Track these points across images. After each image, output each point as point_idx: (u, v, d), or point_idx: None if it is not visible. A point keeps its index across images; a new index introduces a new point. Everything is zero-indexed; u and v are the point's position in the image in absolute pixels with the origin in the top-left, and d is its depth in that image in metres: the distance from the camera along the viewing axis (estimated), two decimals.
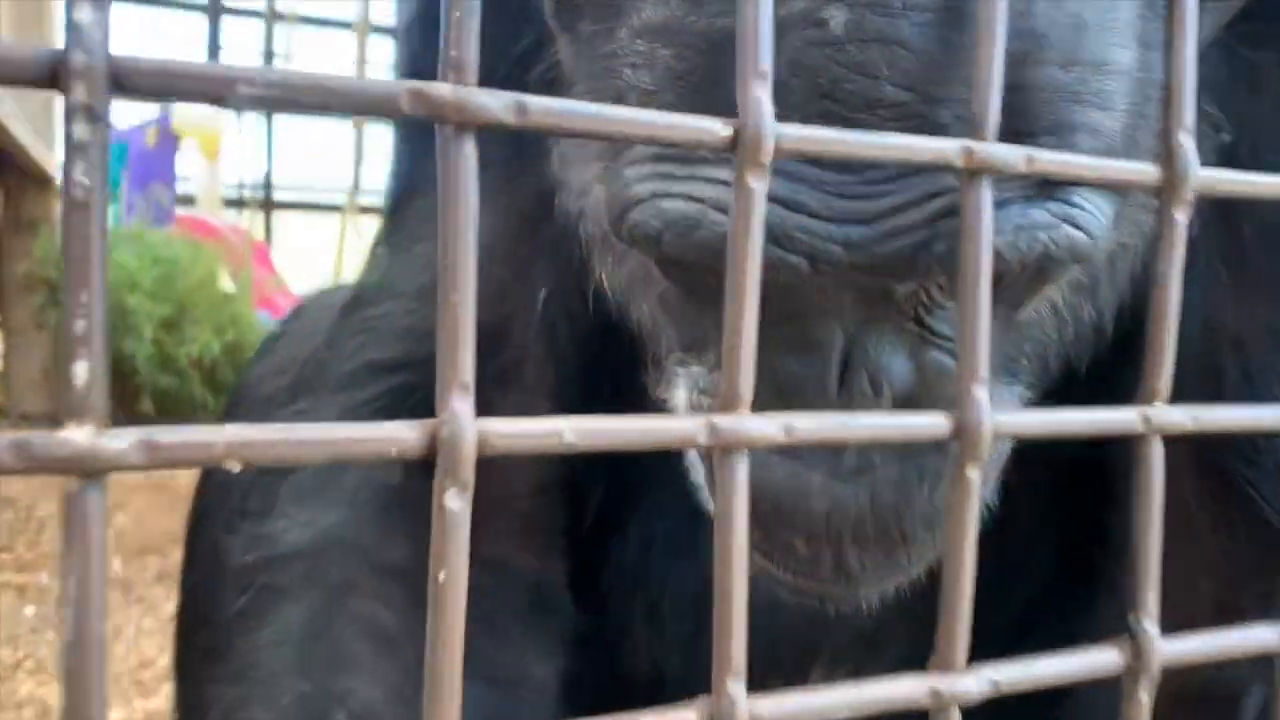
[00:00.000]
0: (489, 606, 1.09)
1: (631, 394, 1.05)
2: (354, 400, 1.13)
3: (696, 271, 0.83)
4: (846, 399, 0.82)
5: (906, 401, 0.83)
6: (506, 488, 1.14)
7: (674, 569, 1.26)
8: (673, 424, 0.49)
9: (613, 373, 1.14)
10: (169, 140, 6.59)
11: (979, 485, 0.56)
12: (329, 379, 1.17)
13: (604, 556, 1.28)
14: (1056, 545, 1.23)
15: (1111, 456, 1.05)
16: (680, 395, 0.93)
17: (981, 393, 0.56)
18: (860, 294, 0.80)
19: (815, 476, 0.85)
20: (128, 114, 6.70)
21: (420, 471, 0.58)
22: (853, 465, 0.85)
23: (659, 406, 1.01)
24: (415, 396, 1.11)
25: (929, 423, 0.55)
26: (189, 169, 7.09)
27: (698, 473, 0.98)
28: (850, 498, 0.85)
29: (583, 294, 1.06)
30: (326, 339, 1.20)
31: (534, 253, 1.13)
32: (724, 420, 0.48)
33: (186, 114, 6.55)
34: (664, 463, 1.14)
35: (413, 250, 1.17)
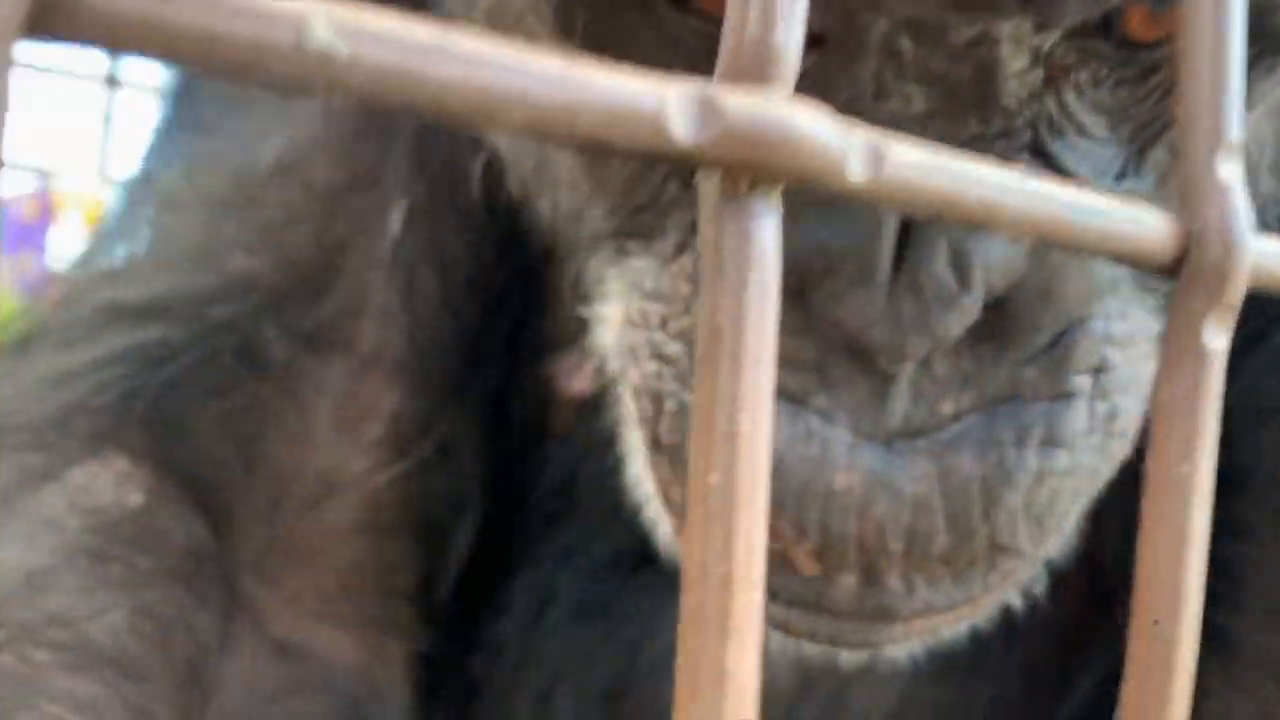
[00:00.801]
0: None
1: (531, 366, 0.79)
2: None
3: None
4: (905, 293, 0.58)
5: (1004, 307, 0.60)
6: (314, 523, 0.85)
7: (578, 643, 0.93)
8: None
9: (508, 332, 0.88)
10: (47, 211, 6.21)
11: (1217, 386, 0.34)
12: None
13: (475, 628, 0.95)
14: None
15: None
16: (613, 308, 0.69)
17: (1233, 180, 0.28)
18: (938, 80, 0.57)
19: (839, 436, 0.59)
20: (4, 185, 6.30)
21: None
22: (904, 418, 0.60)
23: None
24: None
25: (1138, 227, 0.32)
26: (72, 240, 6.67)
27: (642, 485, 0.72)
28: (901, 473, 0.60)
29: (460, 205, 0.83)
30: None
31: (385, 151, 0.85)
32: (735, 101, 0.27)
33: (68, 185, 6.19)
34: (568, 482, 0.92)
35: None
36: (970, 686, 0.89)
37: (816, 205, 0.60)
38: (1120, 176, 0.61)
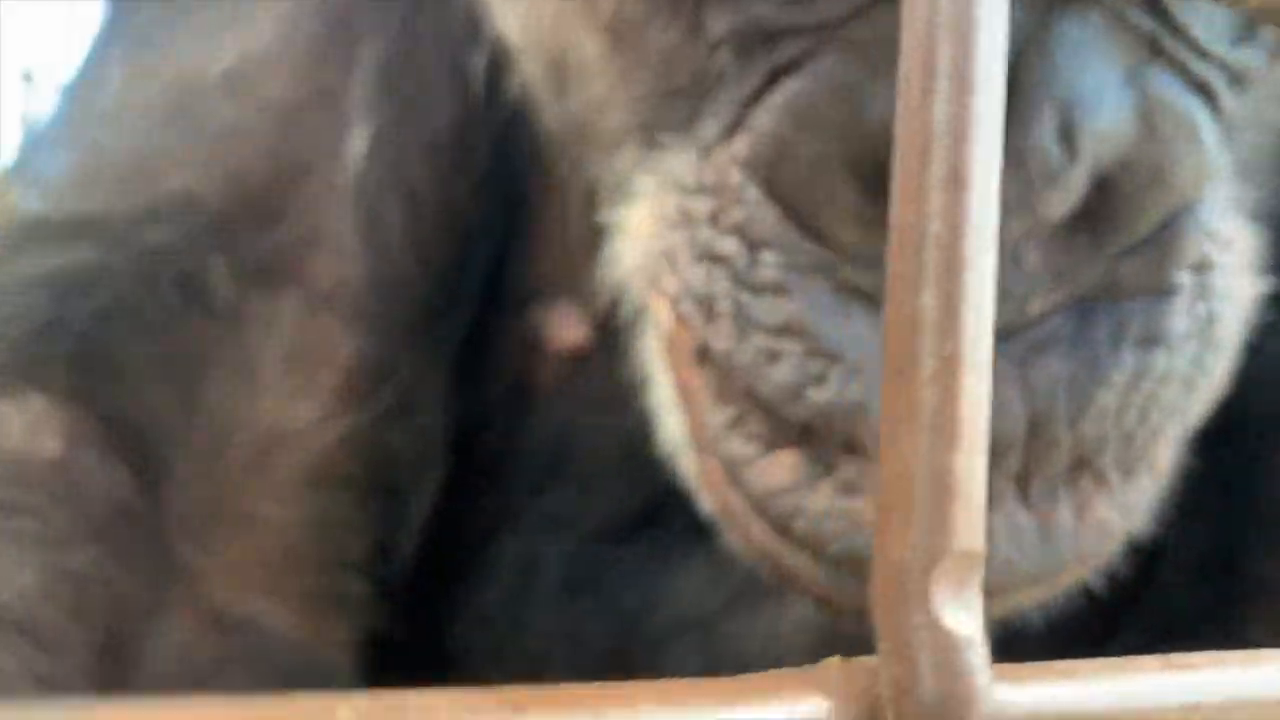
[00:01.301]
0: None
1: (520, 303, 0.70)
2: None
3: None
4: (1003, 164, 0.48)
5: (1107, 186, 0.53)
6: (259, 480, 0.77)
7: (570, 617, 0.85)
8: None
9: (484, 275, 0.82)
10: None
11: None
12: None
13: (450, 601, 0.86)
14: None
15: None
16: (642, 210, 0.62)
17: None
18: None
19: None
20: None
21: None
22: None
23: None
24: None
25: None
26: None
27: (668, 416, 0.65)
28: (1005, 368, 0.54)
29: (431, 132, 0.75)
30: None
31: (349, 69, 0.78)
32: None
33: None
34: (556, 441, 0.86)
35: None
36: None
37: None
38: (1235, 43, 0.57)
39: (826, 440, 0.56)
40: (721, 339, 0.58)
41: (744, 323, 0.57)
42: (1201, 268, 0.57)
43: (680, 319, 0.60)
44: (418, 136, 0.79)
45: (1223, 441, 0.66)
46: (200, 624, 0.74)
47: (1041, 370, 0.54)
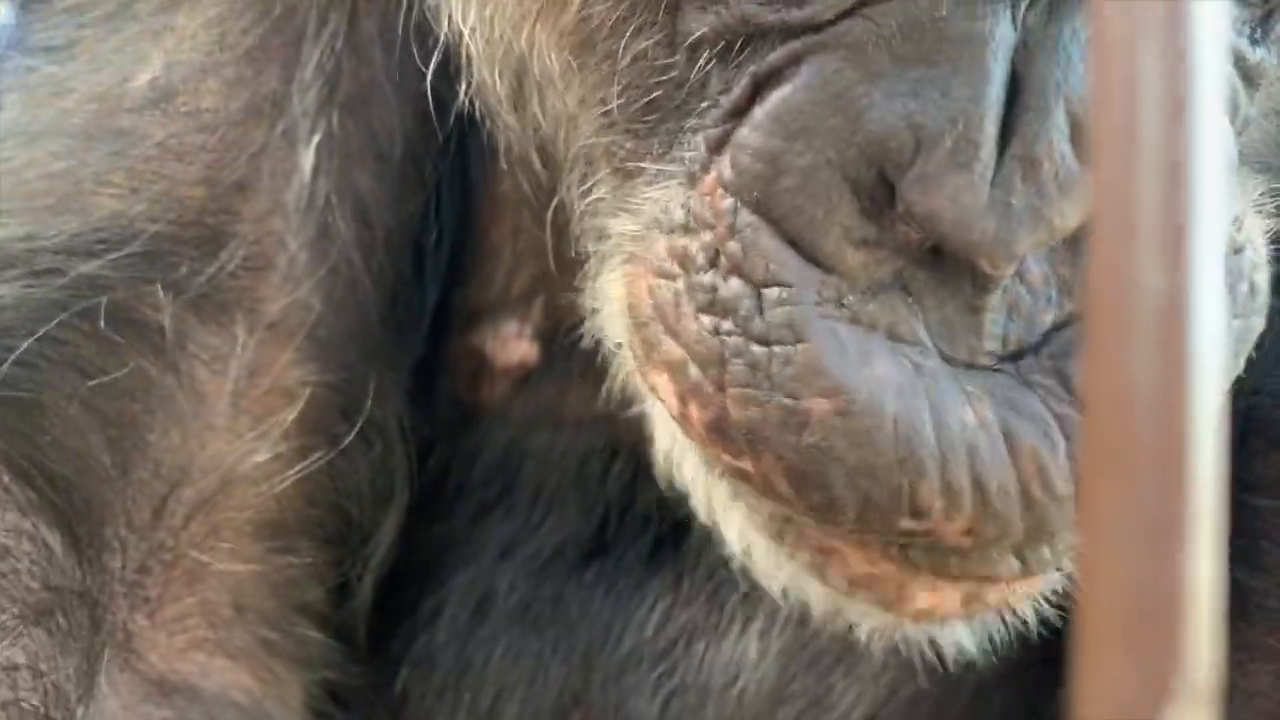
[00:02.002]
0: None
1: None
2: None
3: None
4: (1014, 173, 0.48)
5: None
6: (205, 530, 0.71)
7: (524, 652, 0.80)
8: None
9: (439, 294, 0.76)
10: None
11: None
12: None
13: (397, 638, 0.81)
14: None
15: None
16: (627, 265, 0.57)
17: None
18: None
19: (937, 368, 0.50)
20: None
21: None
22: (1002, 337, 0.51)
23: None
24: None
25: None
26: None
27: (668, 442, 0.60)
28: (1025, 397, 0.51)
29: (380, 142, 0.71)
30: None
31: (290, 75, 0.72)
32: None
33: None
34: (505, 465, 0.81)
35: None
36: (957, 677, 0.81)
37: (904, 61, 0.50)
38: (1253, 41, 0.54)
39: (884, 507, 0.51)
40: (737, 407, 0.52)
41: (763, 385, 0.51)
42: (1234, 251, 0.54)
43: (688, 391, 0.54)
44: (367, 145, 0.73)
45: None
46: (138, 693, 0.67)
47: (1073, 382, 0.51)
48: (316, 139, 0.72)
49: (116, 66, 0.72)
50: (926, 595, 0.54)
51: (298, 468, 0.72)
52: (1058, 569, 0.54)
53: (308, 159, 0.71)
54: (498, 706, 0.80)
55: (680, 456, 0.59)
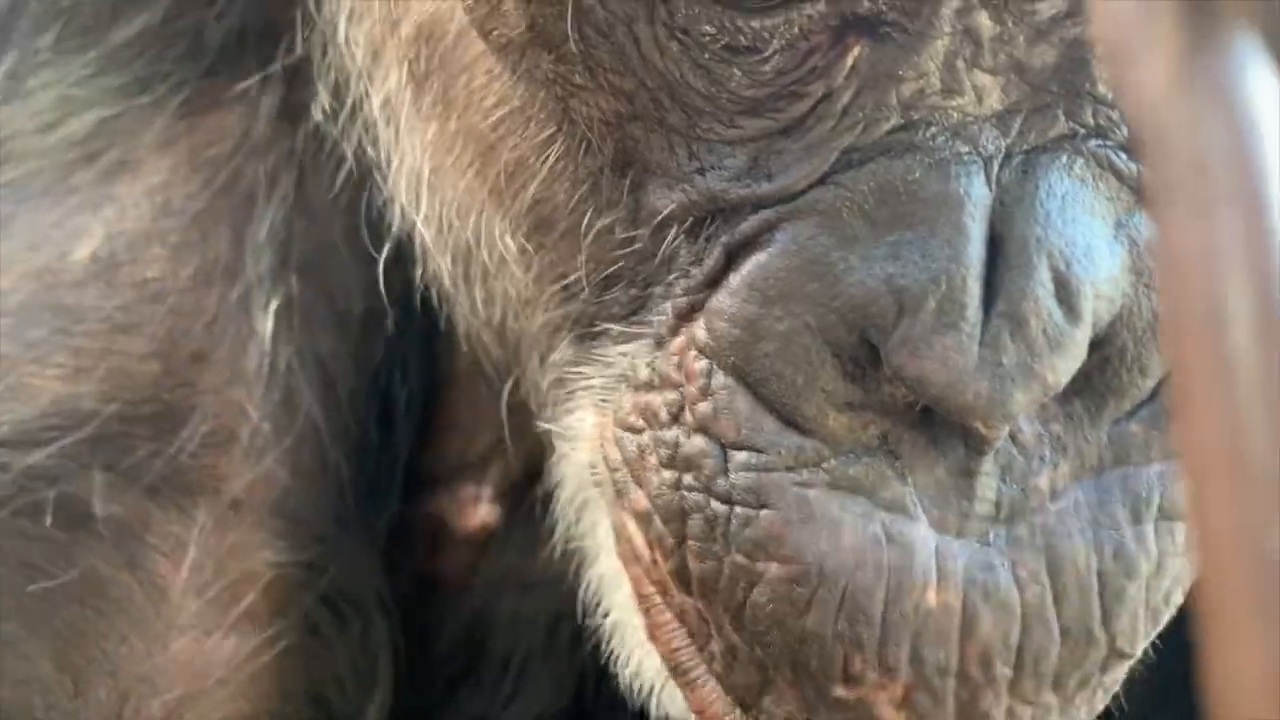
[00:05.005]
0: None
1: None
2: None
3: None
4: (1002, 332, 0.48)
5: (1104, 346, 0.50)
6: None
7: None
8: None
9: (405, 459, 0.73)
10: None
11: None
12: None
13: None
14: None
15: None
16: (590, 415, 0.56)
17: None
18: (1017, 68, 0.49)
19: (921, 535, 0.49)
20: None
21: None
22: (995, 502, 0.50)
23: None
24: None
25: None
26: None
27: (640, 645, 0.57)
28: (1004, 574, 0.49)
29: (338, 303, 0.68)
30: None
31: (241, 237, 0.69)
32: None
33: None
34: (471, 636, 0.77)
35: None
36: None
37: (879, 225, 0.48)
38: None
39: (819, 674, 0.50)
40: (696, 560, 0.51)
41: (719, 540, 0.51)
42: None
43: (652, 540, 0.53)
44: (326, 306, 0.70)
45: None
46: None
47: (1067, 561, 0.49)
48: (275, 304, 0.68)
49: (52, 239, 0.69)
50: None
51: (271, 661, 0.67)
52: None
53: (266, 324, 0.68)
54: None
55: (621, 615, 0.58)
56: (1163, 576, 0.51)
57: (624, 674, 0.59)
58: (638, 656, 0.58)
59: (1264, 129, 0.18)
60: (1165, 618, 0.52)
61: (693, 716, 0.56)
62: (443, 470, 0.76)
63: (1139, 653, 0.52)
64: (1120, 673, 0.52)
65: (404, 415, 0.73)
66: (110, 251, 0.68)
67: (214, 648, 0.66)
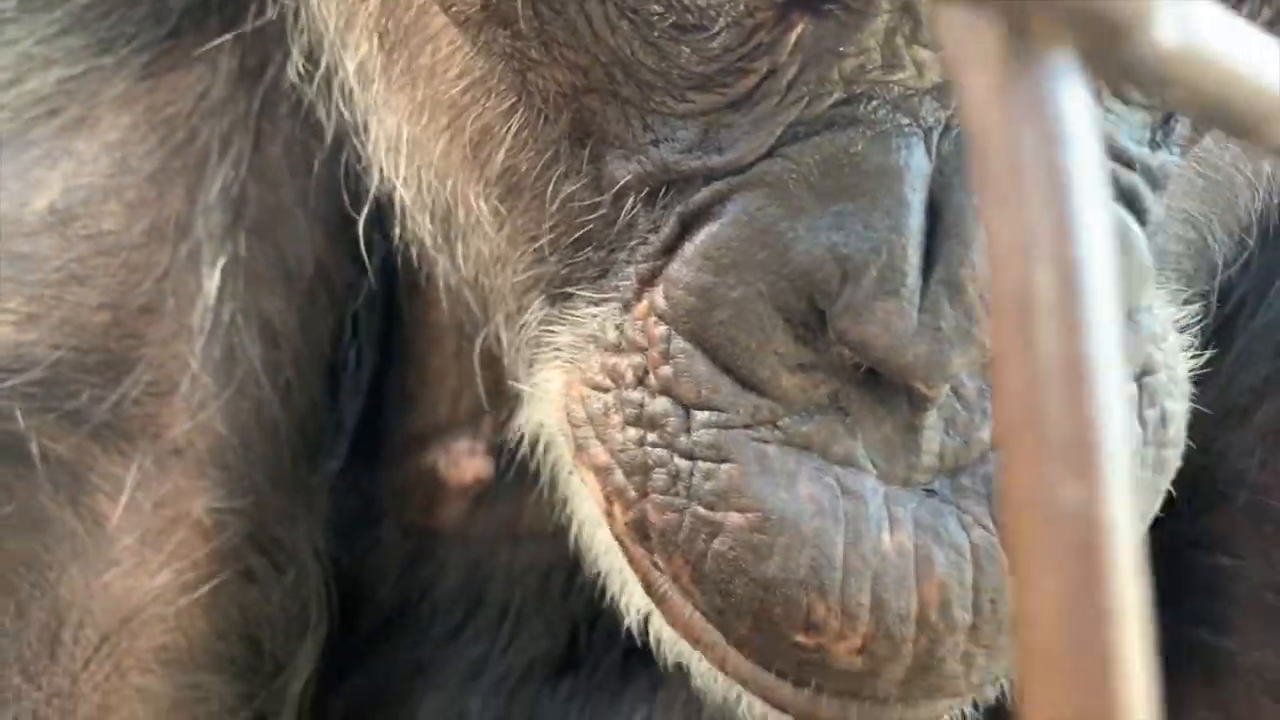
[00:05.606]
0: None
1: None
2: None
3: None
4: (941, 296, 0.49)
5: None
6: (105, 670, 0.69)
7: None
8: None
9: (360, 415, 0.76)
10: None
11: None
12: None
13: None
14: None
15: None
16: (558, 371, 0.58)
17: None
18: None
19: (870, 486, 0.51)
20: None
21: None
22: (939, 454, 0.52)
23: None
24: None
25: None
26: None
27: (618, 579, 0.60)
28: (954, 520, 0.51)
29: (287, 263, 0.71)
30: None
31: (193, 196, 0.71)
32: None
33: None
34: (468, 585, 0.80)
35: None
36: None
37: (825, 196, 0.50)
38: (1154, 146, 0.55)
39: (781, 621, 0.52)
40: (656, 512, 0.54)
41: (681, 494, 0.53)
42: (1147, 373, 0.55)
43: (613, 492, 0.55)
44: (275, 267, 0.73)
45: None
46: None
47: None
48: (222, 261, 0.71)
49: (12, 192, 0.71)
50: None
51: (205, 598, 0.71)
52: (945, 696, 0.54)
53: (213, 281, 0.71)
54: None
55: (606, 555, 0.60)
56: None
57: (621, 607, 0.61)
58: (627, 591, 0.60)
59: (1073, 136, 0.20)
60: None
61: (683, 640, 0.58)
62: (434, 427, 0.79)
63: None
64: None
65: (354, 373, 0.76)
66: (67, 204, 0.70)
67: (148, 582, 0.69)
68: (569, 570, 0.79)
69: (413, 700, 0.81)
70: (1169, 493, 0.61)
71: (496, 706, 0.80)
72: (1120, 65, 0.23)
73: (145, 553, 0.70)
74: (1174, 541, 0.73)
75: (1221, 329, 0.71)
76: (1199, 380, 0.65)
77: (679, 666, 0.77)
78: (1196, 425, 0.65)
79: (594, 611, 0.79)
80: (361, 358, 0.78)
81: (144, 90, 0.71)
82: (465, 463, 0.80)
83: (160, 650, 0.70)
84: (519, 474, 0.79)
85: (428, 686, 0.81)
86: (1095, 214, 0.20)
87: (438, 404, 0.78)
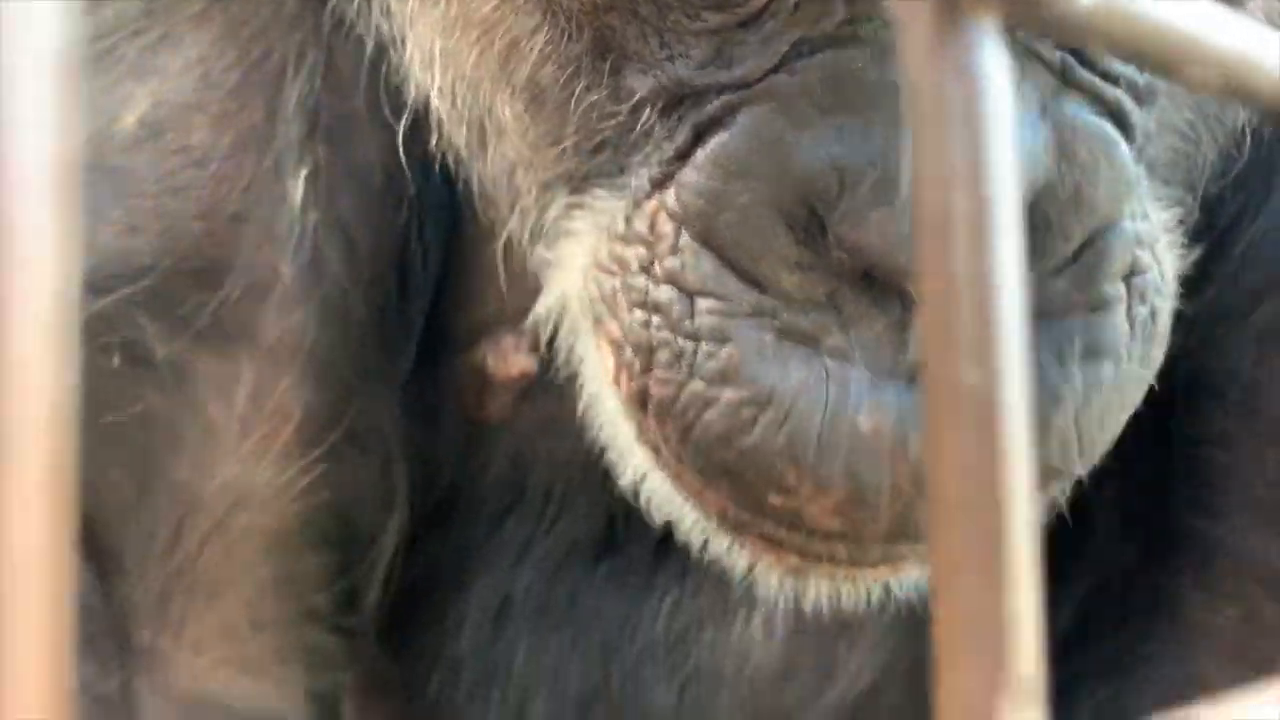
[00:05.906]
0: None
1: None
2: None
3: None
4: None
5: (1030, 214, 0.54)
6: (220, 549, 0.76)
7: (546, 651, 0.86)
8: None
9: (425, 311, 0.82)
10: None
11: None
12: None
13: (427, 648, 0.86)
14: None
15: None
16: (576, 250, 0.63)
17: None
18: None
19: (858, 376, 0.56)
20: None
21: None
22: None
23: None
24: None
25: None
26: None
27: (619, 446, 0.66)
28: (909, 426, 0.56)
29: (361, 169, 0.76)
30: None
31: (273, 109, 0.75)
32: None
33: None
34: (514, 472, 0.85)
35: None
36: None
37: (827, 110, 0.55)
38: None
39: (755, 484, 0.58)
40: (659, 386, 0.60)
41: (682, 370, 0.58)
42: (1134, 273, 0.59)
43: (621, 365, 0.61)
44: (348, 175, 0.78)
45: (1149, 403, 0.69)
46: (169, 713, 0.73)
47: None
48: (304, 171, 0.76)
49: (101, 104, 0.76)
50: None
51: (301, 483, 0.78)
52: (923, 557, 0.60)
53: (296, 190, 0.76)
54: (524, 705, 0.87)
55: (612, 429, 0.66)
56: (1089, 407, 0.58)
57: (625, 476, 0.68)
58: (626, 455, 0.67)
59: (991, 91, 0.25)
60: (1100, 444, 0.59)
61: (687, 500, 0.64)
62: (483, 322, 0.85)
63: (1073, 473, 0.60)
64: (1054, 490, 0.60)
65: (421, 273, 0.81)
66: (156, 119, 0.76)
67: (253, 472, 0.76)
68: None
69: (465, 580, 0.88)
70: (1161, 388, 0.66)
71: (540, 586, 0.87)
72: (1043, 23, 0.27)
73: (247, 445, 0.77)
74: (1169, 435, 0.78)
75: (1223, 234, 0.75)
76: (1199, 283, 0.69)
77: (704, 551, 0.84)
78: (1196, 325, 0.70)
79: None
80: (427, 259, 0.84)
81: (220, 8, 0.75)
82: (511, 358, 0.86)
83: (265, 532, 0.78)
84: (561, 370, 0.85)
85: (479, 567, 0.87)
86: (1005, 155, 0.25)
87: (487, 303, 0.84)
